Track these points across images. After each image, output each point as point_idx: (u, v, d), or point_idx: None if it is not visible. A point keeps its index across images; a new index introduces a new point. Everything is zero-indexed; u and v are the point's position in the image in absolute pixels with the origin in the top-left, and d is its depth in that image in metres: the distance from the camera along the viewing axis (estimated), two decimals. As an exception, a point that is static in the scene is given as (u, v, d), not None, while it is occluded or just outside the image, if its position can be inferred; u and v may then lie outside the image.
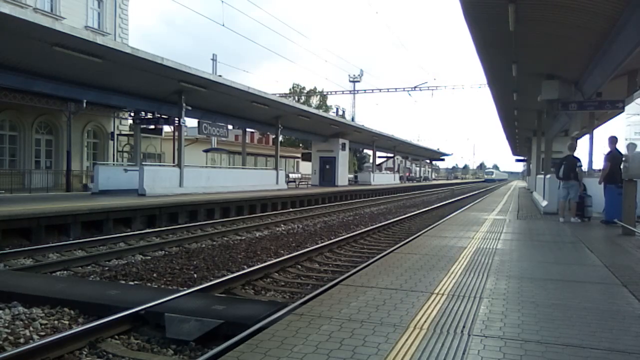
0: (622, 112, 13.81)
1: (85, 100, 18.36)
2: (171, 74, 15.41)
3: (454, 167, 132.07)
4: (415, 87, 42.31)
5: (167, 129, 27.09)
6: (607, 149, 11.19)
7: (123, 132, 26.42)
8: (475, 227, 9.99)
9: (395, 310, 3.88)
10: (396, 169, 55.47)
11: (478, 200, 24.48)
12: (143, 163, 20.04)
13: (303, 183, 34.30)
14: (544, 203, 14.31)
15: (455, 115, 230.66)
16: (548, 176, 14.12)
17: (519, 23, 9.18)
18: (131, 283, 6.70)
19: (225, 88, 18.01)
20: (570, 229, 9.86)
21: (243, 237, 11.02)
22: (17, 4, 19.58)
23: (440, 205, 22.58)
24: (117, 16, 26.26)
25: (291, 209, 19.27)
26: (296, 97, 59.86)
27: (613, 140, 11.09)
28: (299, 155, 48.61)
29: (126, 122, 26.69)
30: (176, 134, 23.32)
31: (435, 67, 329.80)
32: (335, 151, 32.90)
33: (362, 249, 10.17)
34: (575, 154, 11.76)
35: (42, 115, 22.14)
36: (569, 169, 11.14)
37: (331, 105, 65.74)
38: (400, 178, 52.77)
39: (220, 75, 23.57)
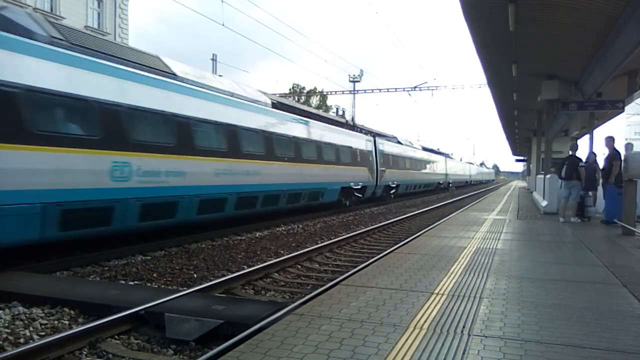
0: (622, 112, 13.82)
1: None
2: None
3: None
4: (415, 87, 42.10)
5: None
6: (606, 150, 11.22)
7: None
8: (475, 227, 10.00)
9: (395, 310, 3.88)
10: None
11: (478, 200, 24.49)
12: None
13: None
14: (544, 203, 14.32)
15: (455, 115, 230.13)
16: (548, 176, 14.14)
17: (519, 23, 9.19)
18: (131, 283, 6.69)
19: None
20: (571, 229, 9.86)
21: (243, 237, 11.01)
22: (17, 3, 19.58)
23: (440, 206, 22.57)
24: (117, 16, 26.28)
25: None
26: (296, 97, 59.82)
27: (611, 140, 11.11)
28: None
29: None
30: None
31: (435, 67, 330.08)
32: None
33: (362, 249, 10.17)
34: (576, 154, 11.79)
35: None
36: (572, 169, 11.15)
37: (331, 105, 65.66)
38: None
39: (220, 75, 23.55)
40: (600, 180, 11.62)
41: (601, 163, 11.62)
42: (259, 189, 12.03)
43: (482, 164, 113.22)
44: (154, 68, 9.49)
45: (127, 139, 8.28)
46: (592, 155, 12.41)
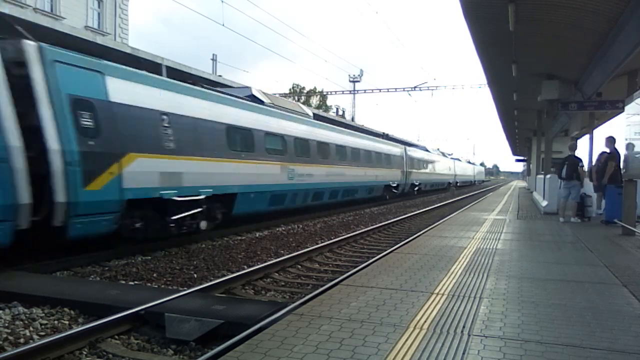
0: (622, 112, 13.82)
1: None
2: (171, 74, 15.41)
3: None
4: (415, 87, 42.10)
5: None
6: (606, 150, 11.19)
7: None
8: (475, 227, 10.00)
9: (395, 310, 3.88)
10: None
11: (478, 200, 24.50)
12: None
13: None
14: (544, 203, 14.32)
15: (455, 115, 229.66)
16: (548, 176, 14.14)
17: (519, 23, 9.19)
18: (131, 283, 6.70)
19: (226, 89, 18.02)
20: (571, 229, 9.86)
21: (243, 237, 11.01)
22: (17, 4, 19.58)
23: (440, 206, 22.58)
24: (117, 16, 26.30)
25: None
26: (296, 97, 59.85)
27: (612, 140, 11.10)
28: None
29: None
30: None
31: (435, 67, 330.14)
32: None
33: (362, 249, 10.17)
34: (575, 153, 11.78)
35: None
36: (572, 169, 11.15)
37: (331, 105, 65.71)
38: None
39: (220, 75, 23.55)
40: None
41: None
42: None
43: (482, 163, 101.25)
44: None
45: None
46: (604, 154, 12.19)
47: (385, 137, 30.07)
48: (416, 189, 30.32)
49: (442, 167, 40.91)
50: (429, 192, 35.36)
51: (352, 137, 19.85)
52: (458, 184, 49.02)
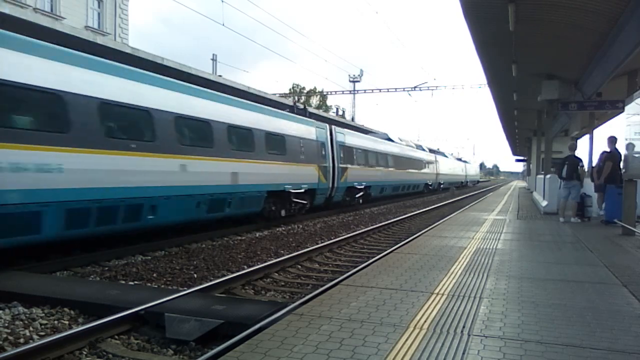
0: (622, 112, 13.82)
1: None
2: (172, 74, 15.40)
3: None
4: (415, 87, 42.07)
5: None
6: (607, 149, 11.19)
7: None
8: (475, 227, 10.00)
9: (395, 310, 3.88)
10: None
11: (479, 200, 24.50)
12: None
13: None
14: (544, 203, 14.32)
15: (455, 115, 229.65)
16: (548, 176, 14.14)
17: (519, 23, 9.20)
18: (131, 283, 6.70)
19: (225, 89, 18.00)
20: (571, 229, 9.86)
21: (243, 237, 11.01)
22: (17, 4, 19.58)
23: (441, 206, 22.57)
24: (117, 16, 26.31)
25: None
26: (296, 97, 59.89)
27: (613, 140, 11.10)
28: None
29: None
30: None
31: (435, 67, 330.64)
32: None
33: (362, 249, 10.17)
34: (575, 153, 11.78)
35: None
36: (572, 169, 11.15)
37: (331, 105, 65.71)
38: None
39: (220, 75, 23.57)
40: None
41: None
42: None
43: (482, 163, 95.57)
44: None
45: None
46: (604, 154, 12.12)
47: (302, 111, 18.06)
48: (359, 195, 19.63)
49: (415, 164, 29.79)
50: (388, 199, 24.81)
51: (152, 89, 9.17)
52: (442, 186, 38.76)
